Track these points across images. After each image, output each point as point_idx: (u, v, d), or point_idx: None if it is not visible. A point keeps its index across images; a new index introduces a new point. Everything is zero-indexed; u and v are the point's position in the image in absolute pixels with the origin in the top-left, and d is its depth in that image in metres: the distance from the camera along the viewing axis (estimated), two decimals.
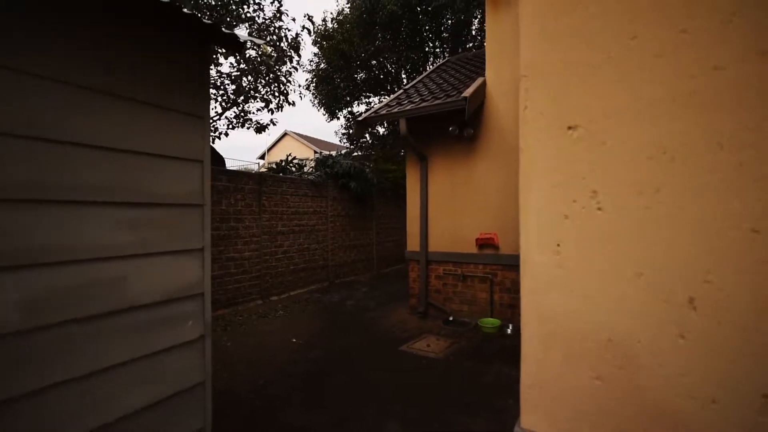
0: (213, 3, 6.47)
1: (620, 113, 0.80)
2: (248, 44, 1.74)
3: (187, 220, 1.74)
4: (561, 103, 0.88)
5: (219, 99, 7.38)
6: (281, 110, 8.13)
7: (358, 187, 8.34)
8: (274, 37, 6.88)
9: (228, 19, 6.38)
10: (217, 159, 7.33)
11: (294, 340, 4.37)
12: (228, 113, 7.71)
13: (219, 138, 7.94)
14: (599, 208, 0.84)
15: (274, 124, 8.78)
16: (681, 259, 0.76)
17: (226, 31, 1.68)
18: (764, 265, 0.71)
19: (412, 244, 5.52)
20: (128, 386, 1.50)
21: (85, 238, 1.36)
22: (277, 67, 7.40)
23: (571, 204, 0.87)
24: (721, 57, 0.74)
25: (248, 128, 7.79)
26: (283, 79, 7.63)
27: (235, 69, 7.11)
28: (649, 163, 0.78)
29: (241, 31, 1.58)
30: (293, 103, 8.56)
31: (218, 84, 7.16)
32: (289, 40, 7.34)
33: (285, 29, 7.58)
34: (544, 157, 0.89)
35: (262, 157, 28.21)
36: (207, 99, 1.85)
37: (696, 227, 0.75)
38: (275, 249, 6.69)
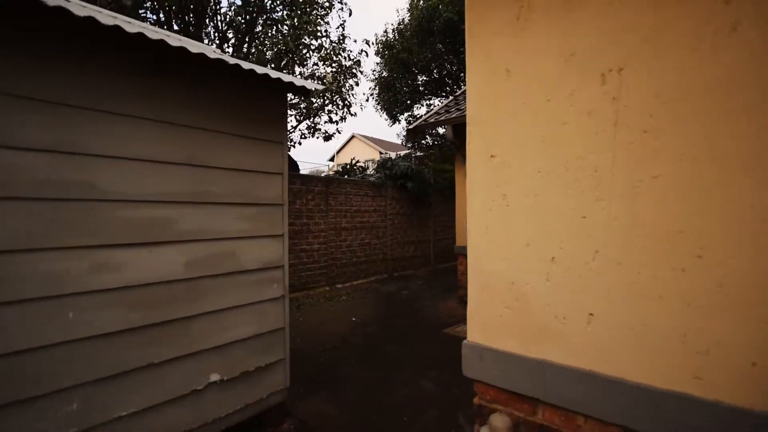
0: (287, 32, 7.60)
1: (519, 148, 1.32)
2: (313, 89, 2.43)
3: (274, 214, 2.54)
4: (488, 141, 1.41)
5: (294, 114, 8.60)
6: (344, 121, 9.14)
7: (416, 187, 8.93)
8: (340, 57, 7.91)
9: (301, 47, 7.48)
10: (292, 165, 8.50)
11: (353, 319, 5.16)
12: (301, 126, 8.92)
13: (294, 146, 9.18)
14: (507, 205, 1.37)
15: (339, 132, 9.84)
16: (547, 234, 1.25)
17: (298, 84, 2.43)
18: (589, 238, 1.18)
19: (461, 239, 5.98)
20: (241, 321, 2.33)
21: (218, 225, 2.20)
22: (341, 84, 8.40)
23: (492, 202, 1.40)
24: (567, 115, 1.22)
25: (317, 138, 8.95)
26: (346, 94, 8.62)
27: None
28: (533, 177, 1.29)
29: (310, 83, 2.11)
30: (355, 114, 9.53)
31: (292, 103, 8.36)
32: (352, 59, 8.30)
33: (348, 50, 8.53)
34: (479, 174, 1.44)
35: (332, 159, 30.20)
36: (285, 130, 2.64)
37: (556, 215, 1.25)
38: (340, 243, 7.60)
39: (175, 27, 6.79)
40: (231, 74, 2.17)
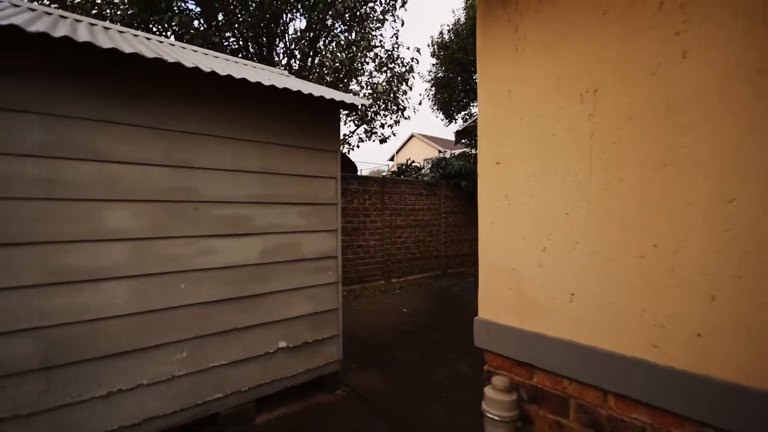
0: (344, 43, 8.22)
1: (518, 156, 1.58)
2: (360, 105, 2.83)
3: (329, 212, 3.01)
4: (494, 150, 1.68)
5: (352, 118, 9.25)
6: (398, 124, 9.58)
7: (470, 185, 9.02)
8: (394, 65, 8.38)
9: (359, 56, 8.07)
10: (351, 166, 9.11)
11: (405, 310, 5.53)
12: (359, 130, 9.55)
13: (353, 149, 9.84)
14: (509, 204, 1.62)
15: (394, 135, 10.30)
16: (540, 228, 1.50)
17: (348, 102, 2.87)
18: (572, 232, 1.40)
19: None
20: (302, 301, 2.83)
21: (284, 221, 2.72)
22: (395, 90, 8.85)
23: (497, 201, 1.66)
24: (555, 129, 1.44)
25: (373, 141, 9.53)
26: (399, 99, 9.04)
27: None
28: (530, 180, 1.54)
29: (358, 99, 2.50)
30: (408, 117, 9.89)
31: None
32: (405, 66, 8.69)
33: (401, 58, 8.94)
34: (487, 177, 1.71)
35: (392, 158, 30.87)
36: (338, 139, 3.10)
37: (547, 213, 1.48)
38: (395, 240, 8.02)
39: (251, 49, 7.74)
40: (293, 97, 2.67)
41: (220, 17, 7.29)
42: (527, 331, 1.55)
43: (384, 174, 14.57)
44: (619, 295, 1.29)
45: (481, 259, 1.74)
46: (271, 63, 7.88)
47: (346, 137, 9.71)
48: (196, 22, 7.46)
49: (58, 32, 1.84)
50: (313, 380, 2.93)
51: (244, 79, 2.32)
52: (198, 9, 7.44)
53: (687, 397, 1.13)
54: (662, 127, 1.18)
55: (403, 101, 9.32)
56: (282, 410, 2.70)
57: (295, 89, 2.53)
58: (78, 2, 6.73)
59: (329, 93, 2.81)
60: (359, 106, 2.97)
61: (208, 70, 2.18)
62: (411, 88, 9.55)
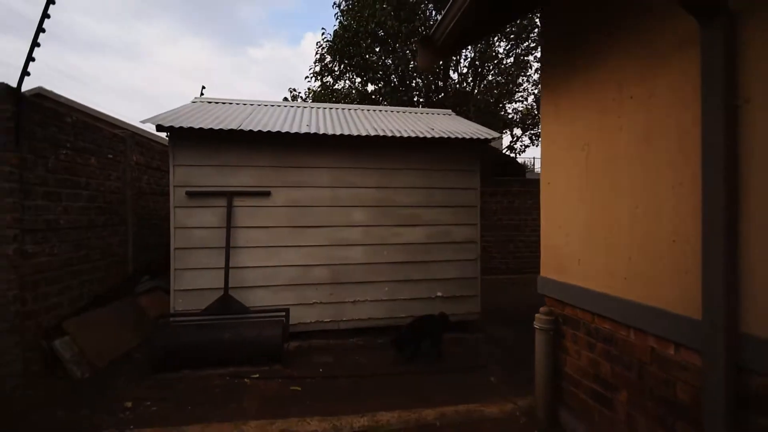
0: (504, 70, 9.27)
1: (557, 178, 2.67)
2: (491, 138, 4.11)
3: (471, 212, 4.46)
4: (546, 175, 2.80)
5: (519, 125, 10.16)
6: None
7: None
8: None
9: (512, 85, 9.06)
10: (518, 169, 9.94)
11: None
12: (524, 137, 10.31)
13: (519, 154, 10.66)
14: (553, 206, 2.72)
15: None
16: (566, 221, 2.53)
17: (482, 138, 4.25)
18: (580, 223, 2.40)
19: None
20: (452, 269, 4.41)
21: (440, 217, 4.37)
22: None
23: (548, 206, 2.78)
24: (569, 163, 2.44)
25: (536, 145, 10.01)
26: None
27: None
28: (562, 192, 2.59)
29: (490, 134, 3.57)
30: None
31: (513, 120, 9.98)
32: None
33: None
34: (543, 191, 2.83)
35: None
36: (476, 162, 4.50)
37: (570, 212, 2.52)
38: None
39: (431, 95, 9.76)
40: (441, 140, 4.27)
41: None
42: (560, 282, 2.65)
43: None
44: (599, 261, 2.31)
45: (542, 243, 2.89)
46: (445, 91, 9.71)
47: (512, 143, 10.59)
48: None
49: (338, 131, 4.07)
50: (459, 322, 4.46)
51: (419, 137, 4.09)
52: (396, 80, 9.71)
53: (624, 312, 2.11)
54: (614, 168, 2.18)
55: None
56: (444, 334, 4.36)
57: (437, 136, 4.14)
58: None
59: (467, 135, 4.28)
60: (491, 139, 4.30)
61: (390, 134, 4.05)
62: None
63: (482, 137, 4.27)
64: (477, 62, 9.70)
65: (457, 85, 9.83)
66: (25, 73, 2.88)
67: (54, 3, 2.90)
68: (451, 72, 9.81)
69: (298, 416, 2.66)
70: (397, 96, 9.38)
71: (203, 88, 8.13)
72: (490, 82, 9.94)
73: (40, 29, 2.88)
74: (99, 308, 3.74)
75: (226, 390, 3.05)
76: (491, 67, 9.93)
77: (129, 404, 2.78)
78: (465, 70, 9.93)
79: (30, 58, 2.88)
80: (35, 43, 2.88)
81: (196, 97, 5.26)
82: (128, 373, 3.30)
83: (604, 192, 2.27)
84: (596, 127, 2.32)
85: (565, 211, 2.61)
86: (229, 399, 2.90)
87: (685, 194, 1.74)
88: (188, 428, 2.47)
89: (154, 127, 3.67)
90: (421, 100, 9.77)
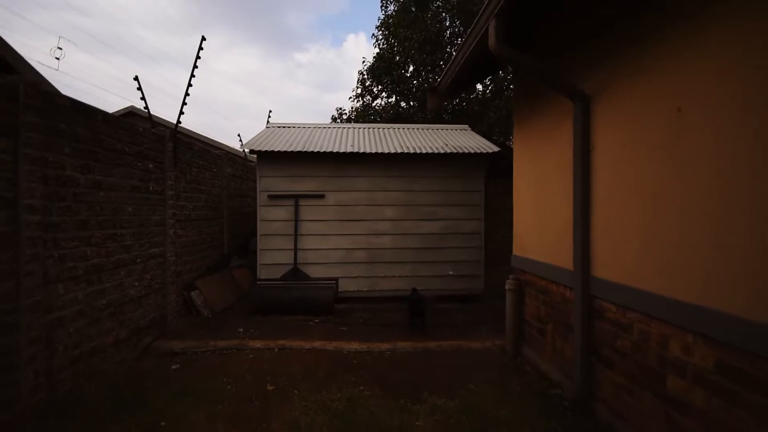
0: None
1: (523, 184, 3.87)
2: (490, 152, 5.40)
3: (477, 210, 5.70)
4: (516, 182, 4.00)
5: None
6: None
7: None
8: None
9: None
10: None
11: None
12: None
13: None
14: (520, 206, 3.92)
15: None
16: (526, 217, 3.75)
17: (483, 152, 5.47)
18: (539, 218, 3.59)
19: None
20: (461, 253, 5.67)
21: (453, 214, 5.65)
22: None
23: (518, 205, 3.98)
24: (528, 178, 3.61)
25: None
26: None
27: None
28: (526, 195, 3.80)
29: (489, 147, 4.66)
30: None
31: None
32: None
33: None
34: (515, 194, 4.03)
35: None
36: (482, 168, 5.72)
37: (526, 211, 3.70)
38: None
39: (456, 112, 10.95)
40: (452, 155, 5.54)
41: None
42: (522, 257, 3.87)
43: None
44: (539, 243, 3.52)
45: (513, 232, 4.11)
46: (468, 101, 10.88)
47: None
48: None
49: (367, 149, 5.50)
50: (467, 296, 5.71)
51: (445, 154, 5.41)
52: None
53: (550, 273, 3.31)
54: (545, 182, 3.38)
55: None
56: (452, 304, 5.64)
57: (450, 152, 5.41)
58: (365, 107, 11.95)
59: (472, 149, 5.51)
60: (491, 152, 5.51)
61: (413, 151, 5.40)
62: None
63: (486, 151, 5.49)
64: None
65: (479, 95, 10.99)
66: (178, 120, 4.60)
67: (194, 75, 4.58)
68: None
69: (345, 341, 4.11)
70: (425, 111, 10.74)
71: (270, 112, 9.92)
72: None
73: (186, 93, 4.58)
74: (211, 275, 5.46)
75: (298, 327, 4.59)
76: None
77: (241, 330, 4.40)
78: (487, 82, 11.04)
79: (181, 112, 4.59)
80: (184, 102, 4.59)
81: (269, 123, 6.95)
82: (234, 315, 4.96)
83: (539, 198, 3.49)
84: (539, 152, 3.54)
85: (525, 211, 3.83)
86: (300, 331, 4.43)
87: (567, 199, 2.96)
88: (280, 341, 4.02)
89: (227, 143, 5.29)
90: (448, 108, 11.06)
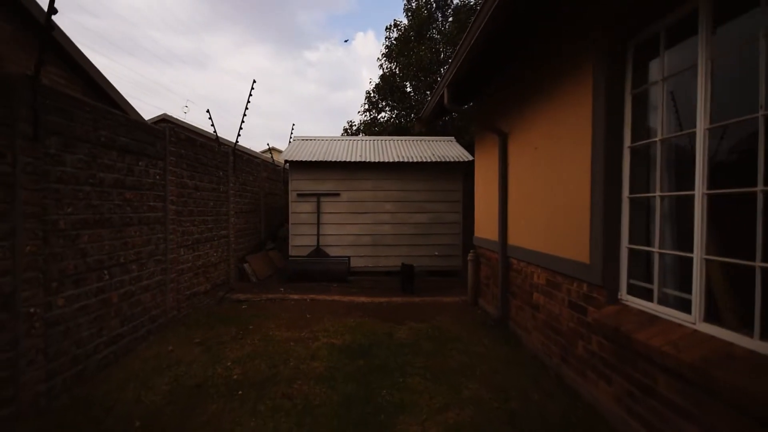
0: None
1: (478, 191, 5.56)
2: (466, 160, 7.20)
3: (456, 205, 7.38)
4: (478, 189, 5.67)
5: None
6: None
7: None
8: None
9: None
10: None
11: None
12: None
13: None
14: (478, 204, 5.59)
15: None
16: (482, 211, 5.40)
17: (463, 161, 7.16)
18: (487, 214, 5.24)
19: None
20: (445, 238, 7.36)
21: (437, 207, 7.33)
22: None
23: (478, 203, 5.66)
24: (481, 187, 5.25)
25: None
26: None
27: None
28: (478, 198, 5.48)
29: (466, 157, 6.34)
30: None
31: None
32: None
33: None
34: (476, 195, 5.70)
35: None
36: (461, 170, 7.40)
37: (481, 207, 5.36)
38: None
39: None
40: (437, 163, 7.23)
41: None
42: (479, 237, 5.55)
43: None
44: (489, 224, 5.19)
45: (475, 217, 5.79)
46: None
47: None
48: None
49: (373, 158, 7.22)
50: (448, 271, 7.41)
51: (435, 162, 7.12)
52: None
53: (490, 246, 4.99)
54: (488, 186, 5.06)
55: None
56: (437, 278, 7.33)
57: (431, 161, 7.11)
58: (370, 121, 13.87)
59: (452, 159, 7.19)
60: (464, 161, 7.19)
61: (407, 160, 7.11)
62: None
63: (464, 160, 7.16)
64: None
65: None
66: (238, 136, 6.39)
67: (250, 103, 6.35)
68: None
69: (355, 296, 5.85)
70: (422, 123, 12.55)
71: (293, 125, 11.67)
72: None
73: (245, 114, 6.35)
74: (255, 254, 7.25)
75: (322, 289, 6.35)
76: None
77: (282, 289, 6.18)
78: None
79: (240, 128, 6.38)
80: (243, 121, 6.37)
81: (295, 136, 8.72)
82: (274, 282, 6.75)
83: (486, 196, 5.18)
84: (485, 165, 5.22)
85: (480, 204, 5.52)
86: (324, 291, 6.18)
87: (495, 197, 4.65)
88: (311, 295, 5.78)
89: (246, 148, 7.07)
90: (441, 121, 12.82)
